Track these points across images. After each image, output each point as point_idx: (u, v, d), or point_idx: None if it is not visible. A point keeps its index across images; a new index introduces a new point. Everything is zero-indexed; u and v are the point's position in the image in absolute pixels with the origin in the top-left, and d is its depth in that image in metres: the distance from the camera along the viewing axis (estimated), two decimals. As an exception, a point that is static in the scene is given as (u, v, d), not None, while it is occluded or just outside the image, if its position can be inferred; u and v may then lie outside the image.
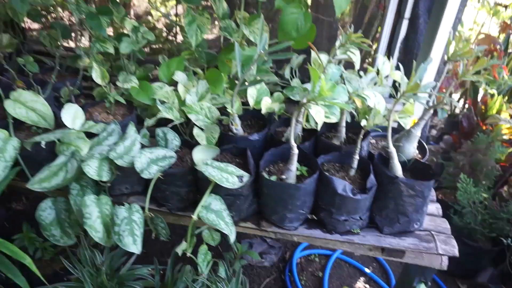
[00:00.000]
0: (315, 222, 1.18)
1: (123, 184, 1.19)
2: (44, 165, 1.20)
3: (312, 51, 1.44)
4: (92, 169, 1.07)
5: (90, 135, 1.20)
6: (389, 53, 1.90)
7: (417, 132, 1.16)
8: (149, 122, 1.26)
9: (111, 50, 1.44)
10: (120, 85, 1.38)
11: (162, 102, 1.32)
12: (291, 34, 1.25)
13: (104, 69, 1.35)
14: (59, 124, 1.25)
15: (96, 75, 1.34)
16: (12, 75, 1.38)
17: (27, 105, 1.20)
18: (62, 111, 1.18)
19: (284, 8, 1.25)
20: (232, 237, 1.05)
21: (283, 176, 1.11)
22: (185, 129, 1.36)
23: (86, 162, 1.08)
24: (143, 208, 1.10)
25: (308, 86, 1.36)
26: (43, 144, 1.12)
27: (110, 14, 1.35)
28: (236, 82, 1.51)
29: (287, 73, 1.58)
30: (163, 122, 1.30)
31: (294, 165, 1.10)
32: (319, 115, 1.15)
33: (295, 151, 1.07)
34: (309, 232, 1.15)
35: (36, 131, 1.24)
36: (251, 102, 1.37)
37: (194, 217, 1.03)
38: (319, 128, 1.19)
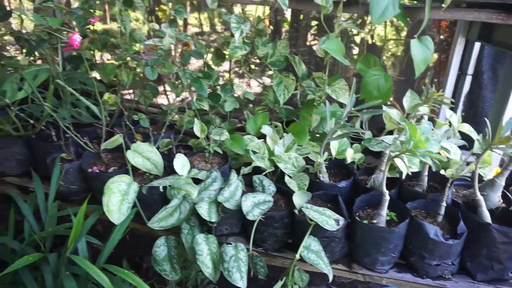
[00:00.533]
0: (404, 266, 1.23)
1: (224, 225, 1.32)
2: (154, 207, 1.37)
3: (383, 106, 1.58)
4: (204, 211, 1.22)
5: (195, 181, 1.36)
6: (452, 107, 2.00)
7: (502, 182, 1.22)
8: (245, 170, 1.41)
9: (206, 107, 1.66)
10: (214, 137, 1.57)
11: (254, 153, 1.48)
12: (373, 93, 1.40)
13: (203, 124, 1.56)
14: (166, 171, 1.44)
15: (197, 129, 1.55)
16: (127, 129, 1.62)
17: (143, 155, 1.40)
18: (174, 160, 1.36)
19: (365, 71, 1.42)
20: (331, 277, 1.13)
21: (374, 221, 1.20)
22: (272, 176, 1.50)
23: (199, 204, 1.23)
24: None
25: (388, 138, 1.48)
26: (161, 188, 1.30)
27: (210, 78, 1.58)
28: (316, 135, 1.67)
29: (357, 125, 1.72)
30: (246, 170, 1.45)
31: (384, 210, 1.19)
32: (405, 165, 1.26)
33: (387, 197, 1.17)
34: (399, 275, 1.20)
35: (148, 177, 1.43)
36: (333, 152, 1.50)
37: (297, 256, 1.13)
38: (403, 176, 1.29)
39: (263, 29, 1.57)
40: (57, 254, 1.27)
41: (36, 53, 1.75)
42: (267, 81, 5.58)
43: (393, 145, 1.29)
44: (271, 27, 4.67)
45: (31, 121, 1.42)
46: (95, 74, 1.87)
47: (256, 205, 1.24)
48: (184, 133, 1.72)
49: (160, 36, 1.35)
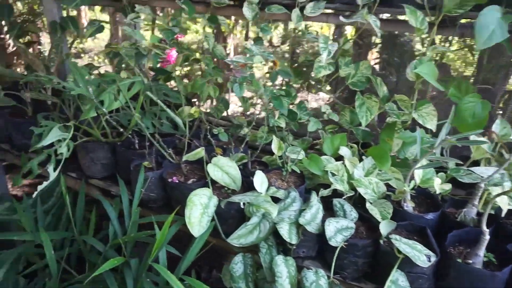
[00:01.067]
0: (502, 314, 1.12)
1: (301, 248, 1.29)
2: (230, 222, 1.38)
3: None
4: (285, 231, 1.20)
5: (272, 199, 1.35)
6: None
7: None
8: (324, 192, 1.38)
9: (283, 124, 1.66)
10: (292, 156, 1.55)
11: (333, 175, 1.44)
12: (467, 120, 1.31)
13: (281, 142, 1.55)
14: (242, 186, 1.44)
15: (275, 146, 1.54)
16: (205, 141, 1.66)
17: (223, 169, 1.42)
18: (254, 177, 1.36)
19: (459, 98, 1.34)
20: (419, 317, 1.05)
21: (469, 261, 1.11)
22: (348, 201, 1.45)
23: (280, 225, 1.22)
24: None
25: (479, 169, 1.37)
26: (242, 205, 1.30)
27: (290, 96, 1.58)
28: (397, 160, 1.59)
29: (437, 152, 1.62)
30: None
31: (482, 250, 1.09)
32: (505, 203, 1.15)
33: (487, 237, 1.07)
34: (497, 325, 1.09)
35: (226, 192, 1.45)
36: (417, 180, 1.42)
37: (385, 290, 1.07)
38: (503, 214, 1.19)
39: (349, 50, 1.54)
40: (138, 260, 1.31)
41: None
42: (324, 96, 5.52)
43: (490, 179, 1.19)
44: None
45: (121, 129, 1.49)
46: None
47: (339, 230, 1.20)
48: (254, 148, 1.73)
49: (249, 53, 1.38)
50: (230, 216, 1.38)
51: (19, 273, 1.55)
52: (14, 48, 3.16)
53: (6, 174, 2.33)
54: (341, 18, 1.43)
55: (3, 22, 2.73)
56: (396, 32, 4.41)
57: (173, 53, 1.23)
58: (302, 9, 1.57)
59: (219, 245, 1.42)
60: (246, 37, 5.85)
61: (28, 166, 1.29)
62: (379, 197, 1.38)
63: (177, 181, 1.48)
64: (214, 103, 2.19)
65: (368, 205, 1.31)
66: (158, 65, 1.74)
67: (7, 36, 2.88)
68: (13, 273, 1.55)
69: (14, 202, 1.60)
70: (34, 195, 1.25)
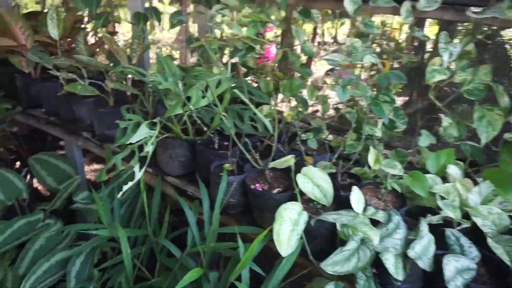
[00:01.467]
0: None
1: (403, 283, 1.11)
2: (318, 239, 1.23)
3: None
4: (391, 265, 1.03)
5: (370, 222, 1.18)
6: None
7: None
8: (432, 219, 1.18)
9: (379, 134, 1.47)
10: (392, 171, 1.36)
11: (442, 198, 1.23)
12: None
13: (379, 154, 1.36)
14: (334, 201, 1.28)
15: (371, 158, 1.36)
16: (289, 147, 1.52)
17: (313, 181, 1.27)
18: (351, 193, 1.20)
19: None
20: None
21: None
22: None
23: (385, 256, 1.04)
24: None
25: None
26: (338, 227, 1.15)
27: (391, 103, 1.39)
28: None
29: None
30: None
31: None
32: None
33: None
34: None
35: (315, 206, 1.30)
36: (553, 216, 1.17)
37: None
38: None
39: (471, 51, 1.30)
40: (218, 274, 1.21)
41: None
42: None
43: None
44: (415, 43, 4.26)
45: (205, 128, 1.40)
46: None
47: (459, 272, 1.00)
48: (339, 156, 1.55)
49: (354, 52, 1.20)
50: (318, 235, 1.24)
51: (94, 266, 1.53)
52: (94, 40, 3.26)
53: (82, 160, 2.38)
54: (469, 13, 1.20)
55: (85, 13, 2.79)
56: (489, 32, 3.95)
57: (273, 49, 1.10)
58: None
59: (305, 266, 1.28)
60: (314, 36, 5.60)
61: (113, 161, 1.23)
62: (500, 232, 1.15)
63: (261, 189, 1.35)
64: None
65: (490, 241, 1.09)
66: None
67: (88, 26, 2.95)
68: (88, 265, 1.54)
69: (93, 192, 1.59)
70: (119, 195, 1.19)
